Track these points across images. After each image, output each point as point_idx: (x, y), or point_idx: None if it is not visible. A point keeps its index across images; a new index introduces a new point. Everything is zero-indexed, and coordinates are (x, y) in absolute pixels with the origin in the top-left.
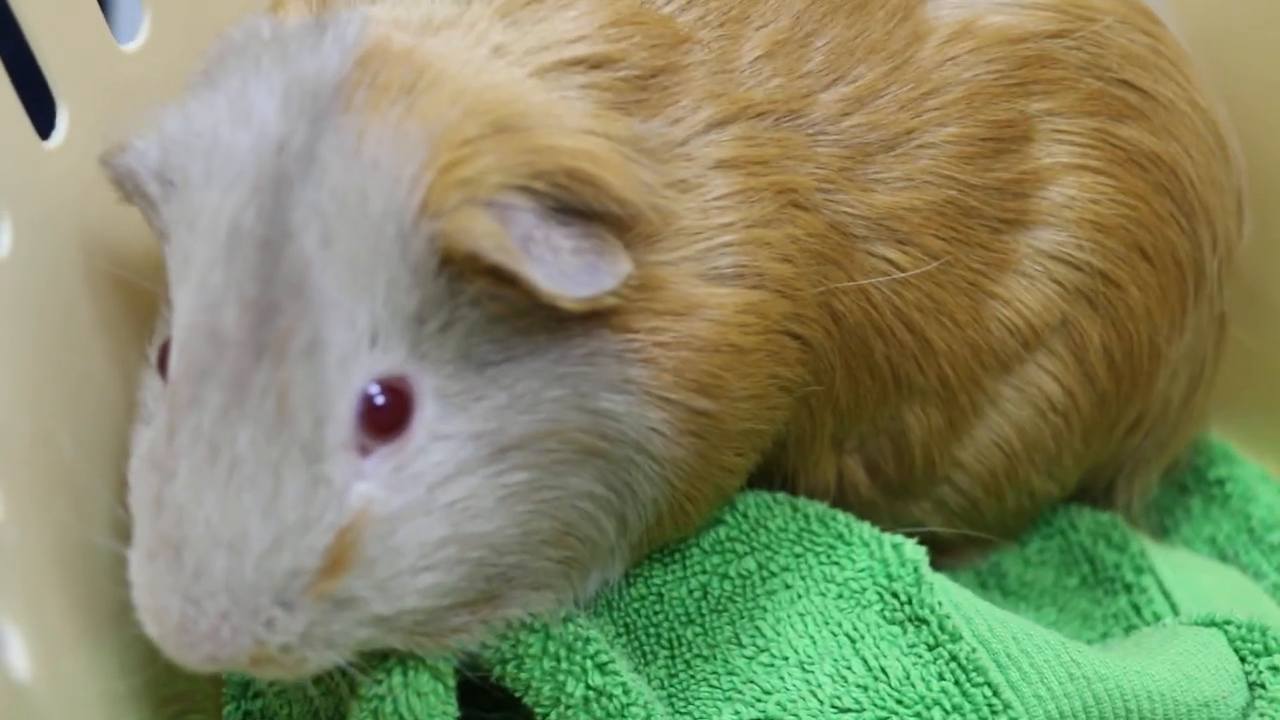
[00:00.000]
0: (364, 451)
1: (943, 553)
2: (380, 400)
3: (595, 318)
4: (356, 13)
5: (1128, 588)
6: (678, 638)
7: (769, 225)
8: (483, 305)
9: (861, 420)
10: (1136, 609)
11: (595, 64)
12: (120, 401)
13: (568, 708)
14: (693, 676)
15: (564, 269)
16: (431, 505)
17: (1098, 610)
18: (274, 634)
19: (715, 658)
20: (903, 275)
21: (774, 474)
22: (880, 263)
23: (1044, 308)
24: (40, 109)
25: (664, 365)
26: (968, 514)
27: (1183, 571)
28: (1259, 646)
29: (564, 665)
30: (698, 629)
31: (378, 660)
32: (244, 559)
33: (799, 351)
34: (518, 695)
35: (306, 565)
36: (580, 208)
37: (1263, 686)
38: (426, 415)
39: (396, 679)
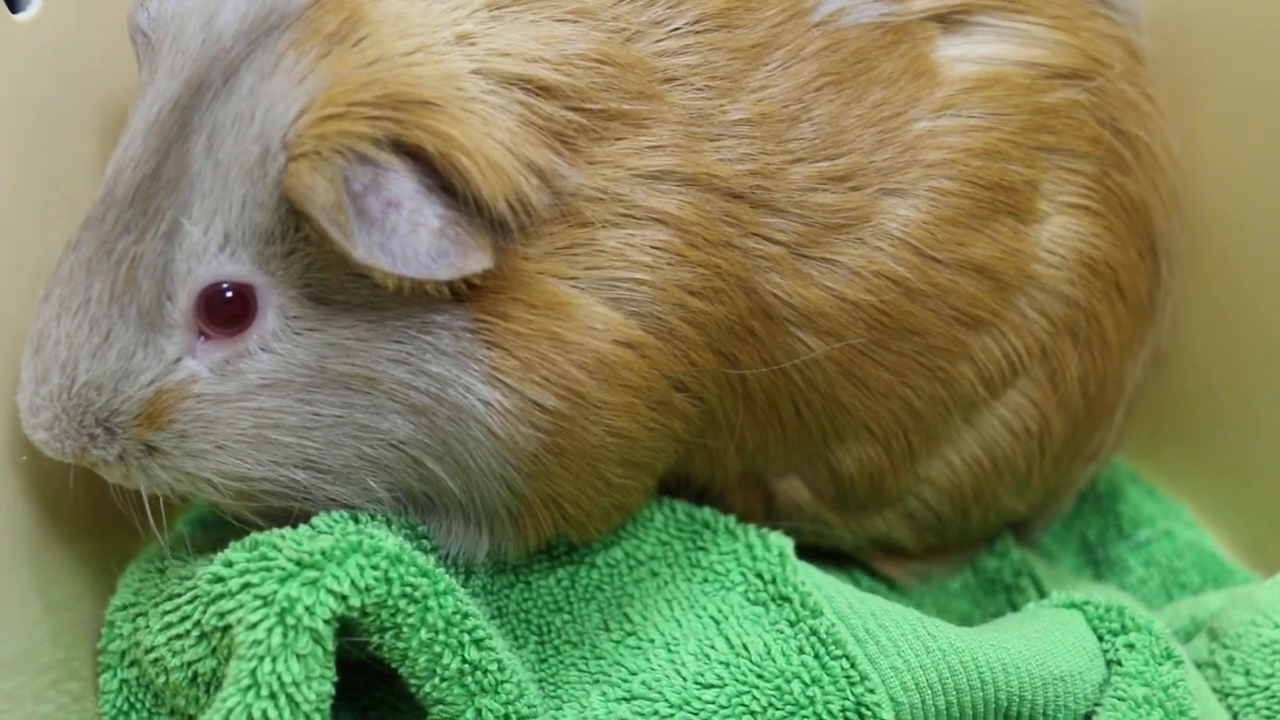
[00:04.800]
0: (203, 335)
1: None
2: (228, 295)
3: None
4: None
5: (1007, 589)
6: (547, 624)
7: (693, 294)
8: (318, 245)
9: (773, 459)
10: (1014, 607)
11: (543, 90)
12: None
13: (443, 680)
14: (562, 661)
15: (412, 243)
16: (244, 404)
17: (977, 611)
18: (95, 448)
19: (584, 643)
20: (814, 355)
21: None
22: (798, 344)
23: (1024, 349)
24: None
25: (513, 352)
26: (933, 526)
27: (1062, 585)
28: (1116, 625)
29: (441, 638)
30: (566, 616)
31: (256, 620)
32: (71, 384)
33: (689, 405)
34: (394, 666)
35: (124, 409)
36: (460, 195)
37: (1119, 663)
38: (266, 326)
39: (276, 640)
